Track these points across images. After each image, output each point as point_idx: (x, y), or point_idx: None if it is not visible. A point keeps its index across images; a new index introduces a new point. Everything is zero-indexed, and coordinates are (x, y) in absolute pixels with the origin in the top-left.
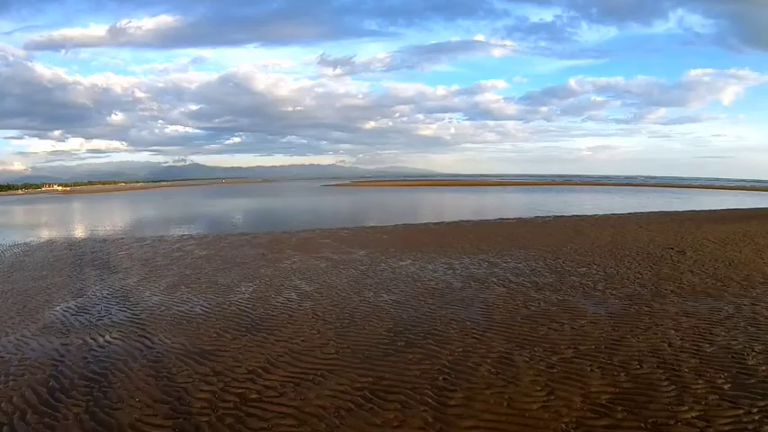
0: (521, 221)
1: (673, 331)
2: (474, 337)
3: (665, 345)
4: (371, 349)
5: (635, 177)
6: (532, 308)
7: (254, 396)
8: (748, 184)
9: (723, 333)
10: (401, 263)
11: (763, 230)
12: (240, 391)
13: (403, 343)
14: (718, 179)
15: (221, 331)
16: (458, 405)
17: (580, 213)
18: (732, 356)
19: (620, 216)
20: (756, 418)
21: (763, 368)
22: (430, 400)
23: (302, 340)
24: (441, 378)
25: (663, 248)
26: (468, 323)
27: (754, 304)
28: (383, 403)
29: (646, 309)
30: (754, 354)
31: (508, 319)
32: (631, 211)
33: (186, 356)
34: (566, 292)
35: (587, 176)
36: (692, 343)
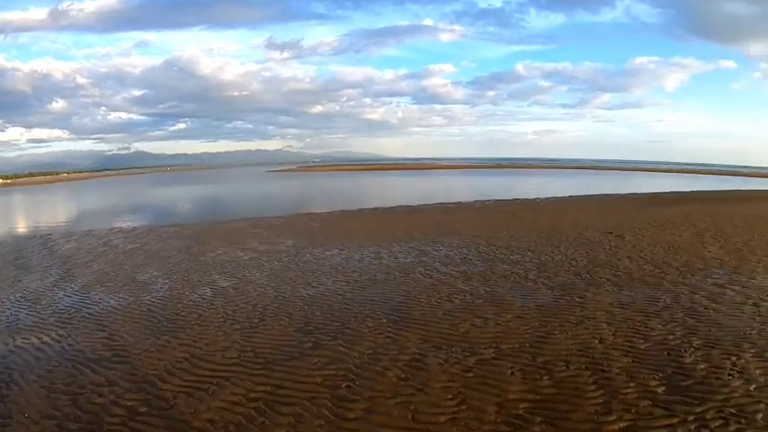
0: (459, 206)
1: (605, 325)
2: (388, 336)
3: (596, 341)
4: (275, 353)
5: (580, 160)
6: (456, 301)
7: (144, 409)
8: (690, 168)
9: (659, 326)
10: (327, 253)
11: (703, 213)
12: (130, 403)
13: (311, 344)
14: (660, 162)
15: (126, 335)
16: (356, 418)
17: (521, 197)
18: (668, 353)
19: (560, 200)
20: (692, 428)
21: (701, 367)
22: (327, 413)
23: (206, 344)
24: (344, 386)
25: (601, 233)
26: (385, 320)
27: (692, 293)
28: (276, 417)
29: (578, 300)
30: (691, 350)
31: (429, 314)
32: (572, 195)
33: (85, 365)
34: (495, 283)
35: (533, 159)
36: (625, 338)
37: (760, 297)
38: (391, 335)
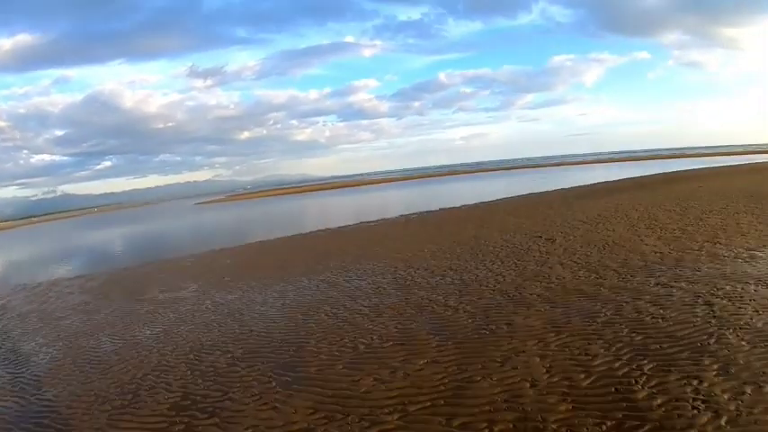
0: (382, 223)
1: (538, 359)
2: (274, 407)
3: (527, 385)
4: None
5: (508, 161)
6: (362, 347)
7: None
8: (615, 156)
9: (602, 351)
10: (229, 296)
11: (634, 202)
12: None
13: (182, 427)
14: (586, 154)
15: None
16: None
17: (447, 206)
18: (616, 389)
19: (487, 204)
20: None
21: (658, 402)
22: None
23: None
24: None
25: (530, 237)
26: (274, 383)
27: (635, 299)
28: None
29: (505, 327)
30: (643, 379)
31: (326, 369)
32: (501, 197)
33: None
34: (409, 317)
35: (462, 165)
36: (562, 375)
37: (711, 292)
38: (278, 403)
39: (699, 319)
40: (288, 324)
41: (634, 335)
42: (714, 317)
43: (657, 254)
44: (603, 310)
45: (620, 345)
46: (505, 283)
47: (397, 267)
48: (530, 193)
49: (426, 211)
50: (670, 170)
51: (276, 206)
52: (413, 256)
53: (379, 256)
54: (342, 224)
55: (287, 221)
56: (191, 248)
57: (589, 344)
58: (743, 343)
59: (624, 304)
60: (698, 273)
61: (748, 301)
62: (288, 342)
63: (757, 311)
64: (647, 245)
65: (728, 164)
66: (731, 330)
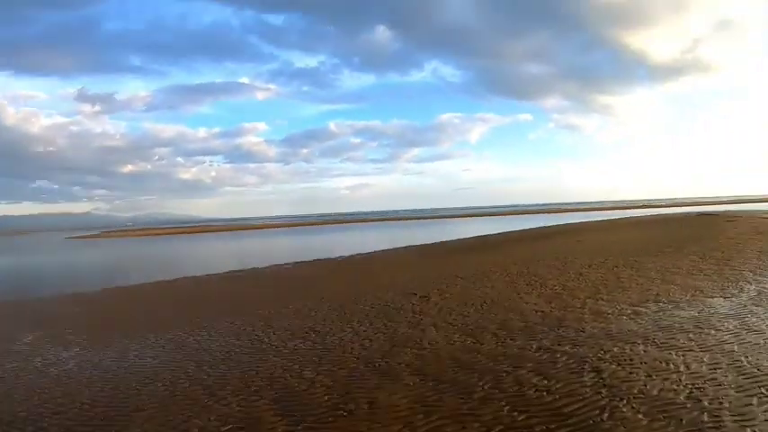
0: (251, 273)
1: None
2: None
3: None
4: None
5: (392, 212)
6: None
7: None
8: (499, 210)
9: None
10: (64, 354)
11: (514, 257)
12: None
13: None
14: (470, 208)
15: None
16: None
17: (323, 257)
18: None
19: (365, 256)
20: None
21: None
22: None
23: None
24: None
25: (404, 294)
26: None
27: (516, 367)
28: None
29: (366, 407)
30: None
31: None
32: (378, 249)
33: None
34: (257, 391)
35: (346, 214)
36: None
37: (598, 356)
38: None
39: (588, 389)
40: (117, 394)
41: (516, 414)
42: (604, 385)
43: (539, 313)
44: (481, 383)
45: (501, 428)
46: (372, 349)
47: (255, 326)
48: (409, 245)
49: (300, 262)
50: (549, 224)
51: (150, 247)
52: (275, 313)
53: (240, 311)
54: (213, 271)
55: (156, 265)
56: (43, 290)
57: (464, 428)
58: (639, 416)
59: (504, 374)
60: (582, 334)
61: (639, 365)
62: (110, 420)
63: (650, 376)
64: (527, 303)
65: (604, 218)
66: (624, 401)
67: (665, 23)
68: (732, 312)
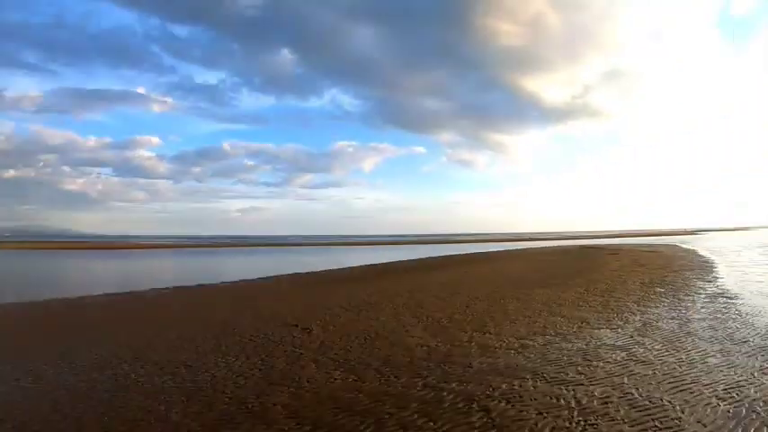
0: (129, 297)
1: None
2: None
3: None
4: None
5: (283, 237)
6: None
7: None
8: (389, 240)
9: None
10: None
11: (401, 287)
12: None
13: None
14: (359, 236)
15: None
16: None
17: (207, 282)
18: None
19: (249, 282)
20: None
21: None
22: None
23: None
24: None
25: (285, 325)
26: None
27: (401, 409)
28: None
29: None
30: None
31: None
32: (264, 275)
33: None
34: None
35: (237, 237)
36: None
37: (486, 393)
38: None
39: (477, 431)
40: None
41: None
42: (494, 426)
43: (424, 347)
44: (361, 427)
45: None
46: (246, 387)
47: (122, 358)
48: (295, 273)
49: (182, 287)
50: (439, 255)
51: (26, 262)
52: (146, 344)
53: (110, 339)
54: (88, 293)
55: (28, 283)
56: None
57: None
58: None
59: (387, 417)
60: (470, 369)
61: (529, 402)
62: None
63: (541, 413)
64: (412, 337)
65: (493, 250)
66: None
67: (558, 70)
68: (619, 344)
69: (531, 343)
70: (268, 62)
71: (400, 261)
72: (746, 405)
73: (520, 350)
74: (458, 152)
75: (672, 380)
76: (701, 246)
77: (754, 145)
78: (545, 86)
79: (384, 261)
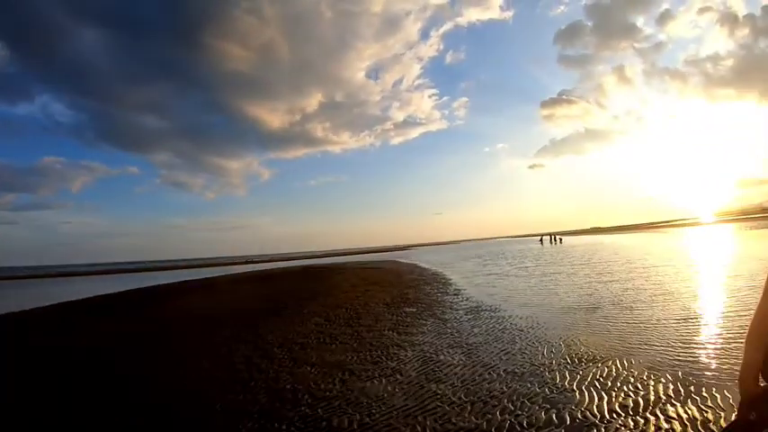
0: None
1: None
2: None
3: None
4: None
5: None
6: None
7: None
8: (90, 270)
9: None
10: None
11: (95, 332)
12: None
13: None
14: (64, 266)
15: None
16: None
17: None
18: None
19: None
20: None
21: None
22: None
23: None
24: None
25: None
26: None
27: None
28: None
29: None
30: None
31: None
32: None
33: None
34: None
35: None
36: None
37: None
38: None
39: None
40: None
41: None
42: None
43: None
44: None
45: None
46: None
47: None
48: None
49: None
50: (145, 285)
51: None
52: None
53: None
54: None
55: None
56: None
57: None
58: None
59: None
60: None
61: None
62: None
63: None
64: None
65: (209, 275)
66: None
67: (281, 98)
68: (412, 405)
69: (276, 426)
70: None
71: (94, 296)
72: None
73: None
74: (174, 174)
75: None
76: (417, 259)
77: None
78: (267, 113)
79: (87, 295)
